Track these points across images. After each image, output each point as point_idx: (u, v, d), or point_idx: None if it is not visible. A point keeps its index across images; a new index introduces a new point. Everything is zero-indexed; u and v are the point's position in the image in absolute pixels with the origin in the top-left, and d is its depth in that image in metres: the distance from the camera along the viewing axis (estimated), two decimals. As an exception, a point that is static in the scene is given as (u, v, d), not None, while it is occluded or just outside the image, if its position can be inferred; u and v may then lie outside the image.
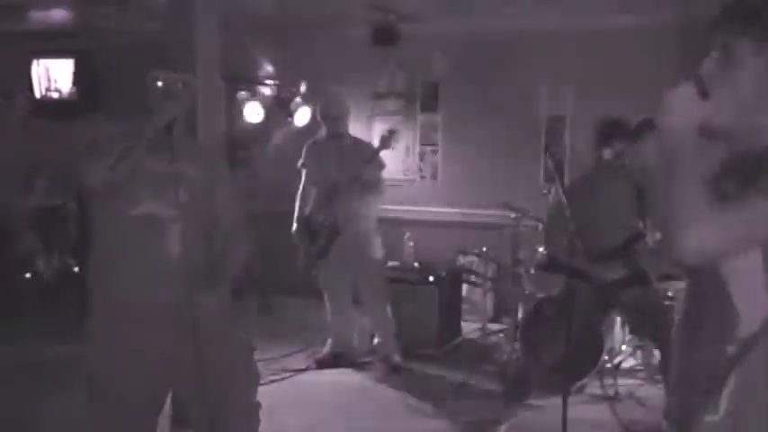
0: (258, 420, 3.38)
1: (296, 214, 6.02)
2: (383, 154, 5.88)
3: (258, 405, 3.38)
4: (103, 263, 3.14)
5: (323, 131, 6.05)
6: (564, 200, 4.33)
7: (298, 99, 8.01)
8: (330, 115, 5.95)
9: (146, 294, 3.03)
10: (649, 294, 4.66)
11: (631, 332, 5.73)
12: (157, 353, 3.03)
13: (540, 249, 6.27)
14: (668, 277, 5.40)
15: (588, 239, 4.39)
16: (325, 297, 6.14)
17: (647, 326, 4.96)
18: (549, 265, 4.94)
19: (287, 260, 6.00)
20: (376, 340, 6.19)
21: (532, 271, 6.30)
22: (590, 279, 4.46)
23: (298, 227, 6.00)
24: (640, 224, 4.71)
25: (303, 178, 6.07)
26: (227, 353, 3.16)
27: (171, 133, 3.04)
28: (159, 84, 3.16)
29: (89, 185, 3.04)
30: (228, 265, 3.24)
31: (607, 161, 4.79)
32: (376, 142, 6.00)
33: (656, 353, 5.54)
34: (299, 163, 6.05)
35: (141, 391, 3.09)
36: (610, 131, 4.76)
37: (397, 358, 6.09)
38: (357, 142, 6.06)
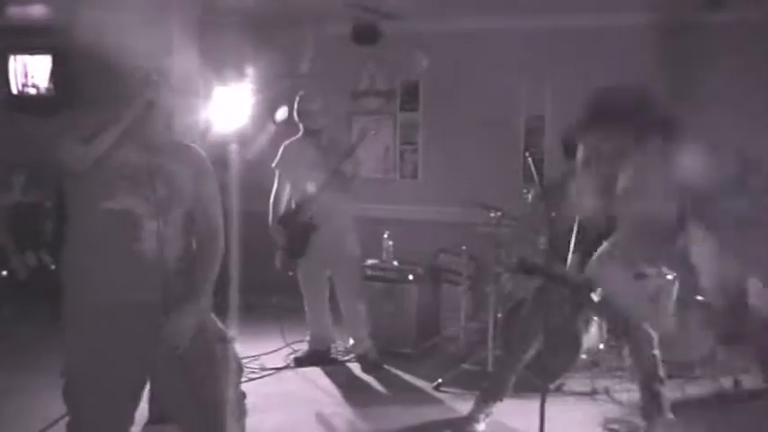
0: (245, 410, 3.37)
1: (270, 214, 6.01)
2: (361, 149, 5.89)
3: (243, 395, 3.37)
4: (77, 258, 3.10)
5: (300, 130, 6.05)
6: (543, 203, 4.35)
7: (277, 97, 7.98)
8: (305, 110, 5.95)
9: (119, 291, 3.00)
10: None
11: (609, 332, 5.76)
12: (132, 348, 3.01)
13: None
14: (640, 275, 5.43)
15: (560, 240, 4.40)
16: (304, 295, 6.14)
17: (618, 323, 4.97)
18: (521, 268, 4.95)
19: (267, 258, 5.98)
20: (351, 339, 6.19)
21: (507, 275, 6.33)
22: (562, 280, 4.47)
23: (274, 227, 6.00)
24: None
25: (276, 178, 6.07)
26: (203, 347, 3.13)
27: (149, 124, 2.99)
28: (138, 74, 3.12)
29: (64, 164, 2.98)
30: (206, 272, 3.18)
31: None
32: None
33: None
34: (274, 163, 6.05)
35: (116, 387, 3.06)
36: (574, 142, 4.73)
37: (374, 356, 6.09)
38: (333, 140, 6.06)
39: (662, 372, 4.59)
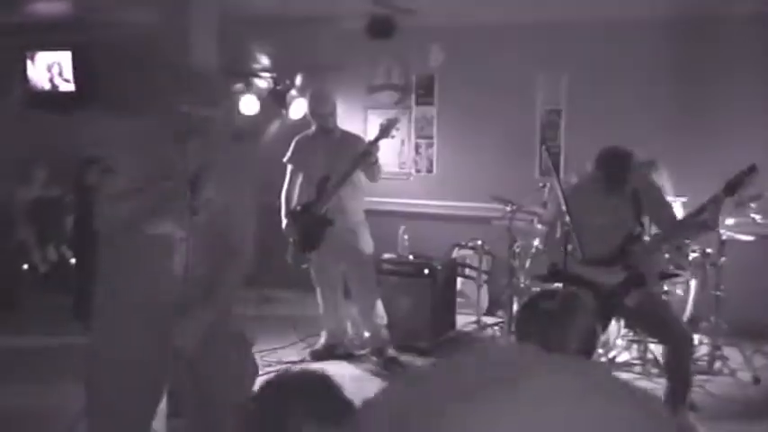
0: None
1: (283, 209, 6.04)
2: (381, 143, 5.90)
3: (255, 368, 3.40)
4: (110, 271, 3.15)
5: (313, 126, 6.06)
6: (564, 204, 4.33)
7: (293, 92, 8.02)
8: (317, 112, 5.95)
9: (149, 299, 3.04)
10: (650, 299, 4.64)
11: (627, 327, 5.75)
12: (158, 346, 3.05)
13: (536, 243, 6.31)
14: (667, 276, 5.43)
15: (586, 245, 4.39)
16: (318, 290, 6.15)
17: (652, 330, 4.97)
18: (552, 275, 4.93)
19: (282, 253, 6.01)
20: (366, 334, 6.20)
21: (528, 264, 6.34)
22: (592, 287, 4.46)
23: (287, 221, 6.02)
24: (637, 226, 4.69)
25: (288, 173, 6.08)
26: (219, 351, 3.16)
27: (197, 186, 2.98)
28: (184, 116, 2.97)
29: (100, 227, 3.03)
30: (224, 279, 3.18)
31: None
32: (371, 135, 6.01)
33: (655, 348, 5.59)
34: (286, 158, 6.07)
35: (141, 383, 3.10)
36: (612, 164, 4.69)
37: (390, 351, 6.10)
38: (346, 136, 6.06)
39: (691, 369, 4.59)
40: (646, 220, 4.75)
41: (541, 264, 5.82)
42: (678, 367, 4.53)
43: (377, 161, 5.84)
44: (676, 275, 5.67)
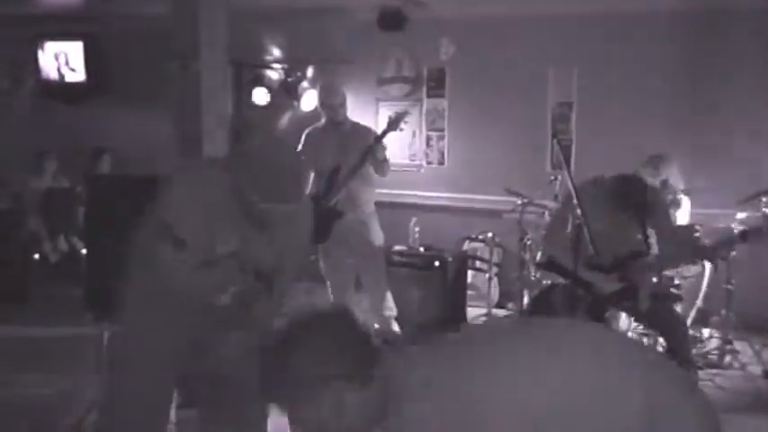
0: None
1: None
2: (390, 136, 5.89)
3: None
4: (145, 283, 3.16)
5: (323, 118, 6.06)
6: (575, 198, 4.31)
7: (304, 83, 8.02)
8: (327, 103, 5.95)
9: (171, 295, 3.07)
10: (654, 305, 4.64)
11: (636, 320, 5.74)
12: (184, 339, 3.09)
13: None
14: (658, 296, 5.39)
15: (588, 248, 4.38)
16: (328, 282, 6.16)
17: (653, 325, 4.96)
18: (548, 267, 4.92)
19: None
20: (376, 326, 6.21)
21: (539, 257, 6.33)
22: (587, 288, 4.45)
23: None
24: (640, 240, 4.68)
25: None
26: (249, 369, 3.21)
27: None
28: (264, 210, 2.91)
29: (164, 272, 3.01)
30: (266, 312, 3.18)
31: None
32: (382, 127, 6.00)
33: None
34: (297, 150, 6.06)
35: (163, 374, 3.15)
36: (625, 193, 4.66)
37: (400, 340, 6.11)
38: (356, 128, 6.06)
39: (692, 360, 4.58)
40: (650, 233, 4.71)
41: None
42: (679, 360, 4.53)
43: (386, 159, 5.85)
44: (670, 296, 5.65)
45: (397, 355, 2.03)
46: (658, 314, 4.59)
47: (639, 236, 4.61)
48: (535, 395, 1.92)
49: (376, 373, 1.96)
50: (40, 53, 9.18)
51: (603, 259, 4.45)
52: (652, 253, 4.62)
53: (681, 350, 4.51)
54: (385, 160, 5.83)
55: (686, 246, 4.81)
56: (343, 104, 5.95)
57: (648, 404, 1.92)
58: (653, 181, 5.33)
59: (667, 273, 5.47)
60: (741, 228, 4.47)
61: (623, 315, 5.45)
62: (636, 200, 4.50)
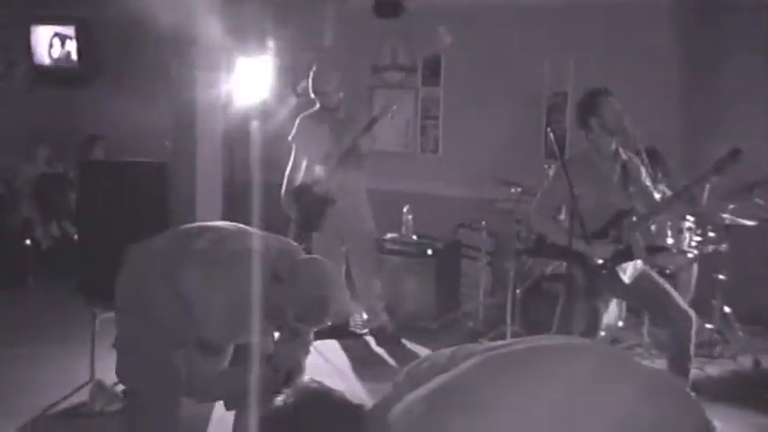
0: None
1: (284, 187, 6.04)
2: (379, 123, 5.89)
3: None
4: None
5: (317, 105, 6.06)
6: (569, 180, 4.31)
7: (299, 71, 7.99)
8: (320, 90, 5.95)
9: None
10: (649, 280, 4.63)
11: (629, 310, 5.76)
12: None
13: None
14: (654, 249, 5.42)
15: (583, 218, 4.39)
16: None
17: (652, 312, 4.96)
18: (538, 249, 4.93)
19: (284, 232, 6.01)
20: (365, 314, 6.22)
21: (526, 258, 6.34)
22: (580, 260, 4.45)
23: (287, 199, 6.02)
24: (625, 199, 4.67)
25: (293, 152, 6.09)
26: None
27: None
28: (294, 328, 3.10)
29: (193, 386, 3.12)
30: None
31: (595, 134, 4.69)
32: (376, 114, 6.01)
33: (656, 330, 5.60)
34: (290, 137, 6.07)
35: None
36: (595, 100, 4.69)
37: (390, 329, 6.12)
38: (349, 115, 6.06)
39: (692, 351, 4.60)
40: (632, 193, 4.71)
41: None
42: (680, 350, 4.53)
43: (369, 152, 5.85)
44: (664, 249, 5.66)
45: (384, 418, 2.04)
46: (662, 304, 4.59)
47: (624, 193, 4.61)
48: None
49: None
50: (32, 37, 9.13)
51: (592, 225, 4.46)
52: (636, 207, 4.62)
53: (680, 340, 4.52)
54: (368, 153, 5.85)
55: (671, 196, 4.81)
56: (336, 91, 5.95)
57: (655, 425, 1.93)
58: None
59: (659, 263, 5.50)
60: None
61: (613, 303, 5.47)
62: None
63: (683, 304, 4.57)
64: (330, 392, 2.15)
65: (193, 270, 3.01)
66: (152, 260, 3.19)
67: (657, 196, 4.76)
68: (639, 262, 4.57)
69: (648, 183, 4.74)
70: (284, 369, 3.08)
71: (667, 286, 4.63)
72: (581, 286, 4.55)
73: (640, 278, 4.56)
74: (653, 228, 5.50)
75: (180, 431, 3.32)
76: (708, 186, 4.45)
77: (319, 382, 2.18)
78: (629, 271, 4.51)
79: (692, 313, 4.50)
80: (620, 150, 4.71)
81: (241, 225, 3.34)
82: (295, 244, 3.38)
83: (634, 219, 4.57)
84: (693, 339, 4.51)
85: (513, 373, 2.03)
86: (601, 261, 4.47)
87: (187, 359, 3.03)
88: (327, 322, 3.06)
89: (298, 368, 3.14)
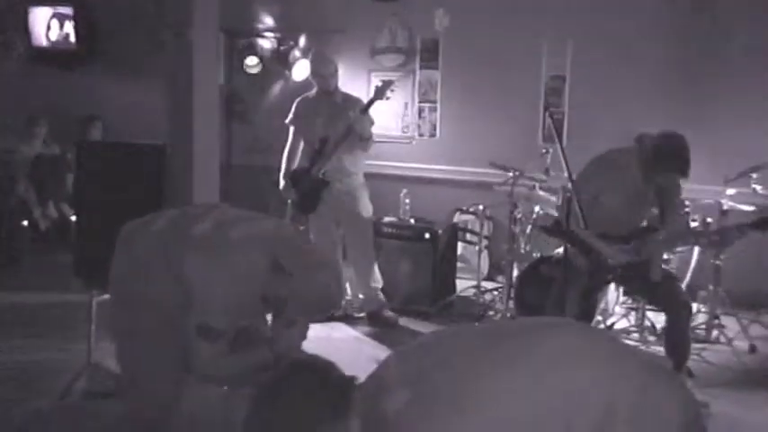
0: None
1: (282, 170, 6.04)
2: (377, 107, 5.88)
3: None
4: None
5: (314, 88, 6.05)
6: (566, 170, 4.30)
7: (296, 53, 7.98)
8: (319, 73, 5.94)
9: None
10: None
11: (625, 294, 5.76)
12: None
13: (537, 209, 6.30)
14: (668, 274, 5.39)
15: (598, 219, 4.39)
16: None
17: (652, 298, 4.95)
18: (554, 229, 4.90)
19: (281, 215, 6.01)
20: (361, 296, 6.22)
21: (529, 230, 6.34)
22: (592, 255, 4.45)
23: (285, 183, 6.03)
24: (657, 215, 4.69)
25: (291, 134, 6.08)
26: None
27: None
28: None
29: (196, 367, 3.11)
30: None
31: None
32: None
33: (653, 315, 5.62)
34: (288, 119, 6.06)
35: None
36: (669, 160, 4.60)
37: (388, 313, 6.13)
38: (347, 98, 6.04)
39: (689, 337, 4.60)
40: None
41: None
42: (678, 337, 4.54)
43: (370, 136, 5.85)
44: (673, 276, 5.66)
45: (374, 386, 2.12)
46: (663, 290, 4.59)
47: (655, 210, 4.62)
48: (517, 409, 1.97)
49: (353, 409, 2.05)
50: (30, 18, 9.09)
51: (617, 230, 4.46)
52: (665, 229, 4.62)
53: (680, 327, 4.53)
54: (368, 138, 5.84)
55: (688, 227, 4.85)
56: (333, 74, 5.94)
57: (633, 403, 1.98)
58: None
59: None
60: (755, 217, 4.43)
61: (611, 288, 5.47)
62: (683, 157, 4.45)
63: (683, 292, 4.58)
64: (320, 360, 2.20)
65: (194, 255, 2.99)
66: (151, 241, 3.14)
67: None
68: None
69: (678, 206, 4.74)
70: (283, 354, 3.08)
71: (670, 273, 4.65)
72: (580, 275, 4.55)
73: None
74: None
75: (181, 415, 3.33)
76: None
77: (311, 354, 2.24)
78: (657, 272, 4.50)
79: (690, 301, 4.51)
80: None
81: (244, 210, 3.32)
82: (299, 231, 3.39)
83: (660, 238, 4.55)
84: (690, 327, 4.53)
85: (494, 351, 2.09)
86: (613, 265, 4.48)
87: (186, 342, 3.02)
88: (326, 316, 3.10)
89: (297, 354, 3.13)
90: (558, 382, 1.99)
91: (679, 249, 5.73)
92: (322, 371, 2.13)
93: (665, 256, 5.61)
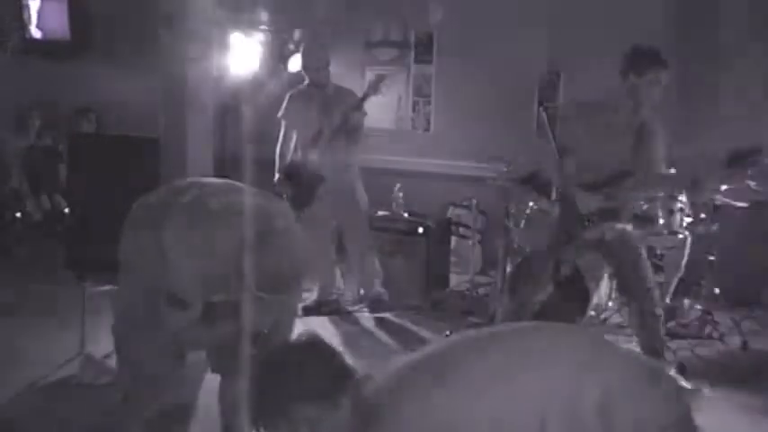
0: None
1: (277, 164, 6.03)
2: (371, 100, 5.86)
3: None
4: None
5: (306, 81, 6.04)
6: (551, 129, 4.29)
7: (291, 46, 7.95)
8: (310, 66, 5.93)
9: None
10: (627, 244, 4.62)
11: (618, 290, 5.76)
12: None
13: (531, 203, 6.30)
14: (639, 218, 5.38)
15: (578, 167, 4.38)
16: (311, 245, 6.15)
17: (618, 274, 4.93)
18: (530, 181, 4.91)
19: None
20: (361, 291, 6.22)
21: (522, 225, 6.35)
22: (565, 204, 4.43)
23: (279, 178, 6.01)
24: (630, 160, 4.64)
25: (283, 128, 6.07)
26: None
27: None
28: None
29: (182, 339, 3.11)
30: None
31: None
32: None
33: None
34: (280, 113, 6.05)
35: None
36: (645, 59, 4.59)
37: (386, 297, 6.15)
38: (340, 91, 6.04)
39: (662, 331, 4.60)
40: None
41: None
42: (646, 330, 4.54)
43: (360, 126, 5.84)
44: (652, 221, 5.64)
45: (370, 377, 2.23)
46: (624, 258, 4.58)
47: (628, 156, 4.57)
48: (507, 407, 2.04)
49: (349, 395, 2.14)
50: (24, 10, 9.05)
51: (590, 177, 4.44)
52: (638, 174, 4.58)
53: (637, 285, 4.54)
54: (359, 128, 5.83)
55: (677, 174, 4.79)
56: (325, 67, 5.93)
57: (603, 403, 2.00)
58: None
59: (650, 243, 5.51)
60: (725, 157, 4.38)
61: (605, 281, 5.48)
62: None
63: (649, 283, 4.55)
64: (322, 341, 2.32)
65: (172, 225, 2.98)
66: (144, 215, 3.18)
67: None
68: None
69: (660, 153, 4.66)
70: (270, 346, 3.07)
71: (642, 260, 4.61)
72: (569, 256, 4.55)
73: (620, 240, 4.54)
74: (645, 206, 5.48)
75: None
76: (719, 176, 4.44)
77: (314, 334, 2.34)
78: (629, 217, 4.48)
79: (655, 294, 4.50)
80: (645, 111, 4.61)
81: (232, 181, 3.32)
82: (283, 205, 3.37)
83: (634, 182, 4.53)
84: (660, 318, 4.52)
85: (480, 353, 2.21)
86: (585, 212, 4.45)
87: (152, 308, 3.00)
88: (282, 294, 3.04)
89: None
90: (531, 382, 2.06)
91: (670, 245, 5.74)
92: (331, 351, 2.27)
93: (658, 251, 5.65)
